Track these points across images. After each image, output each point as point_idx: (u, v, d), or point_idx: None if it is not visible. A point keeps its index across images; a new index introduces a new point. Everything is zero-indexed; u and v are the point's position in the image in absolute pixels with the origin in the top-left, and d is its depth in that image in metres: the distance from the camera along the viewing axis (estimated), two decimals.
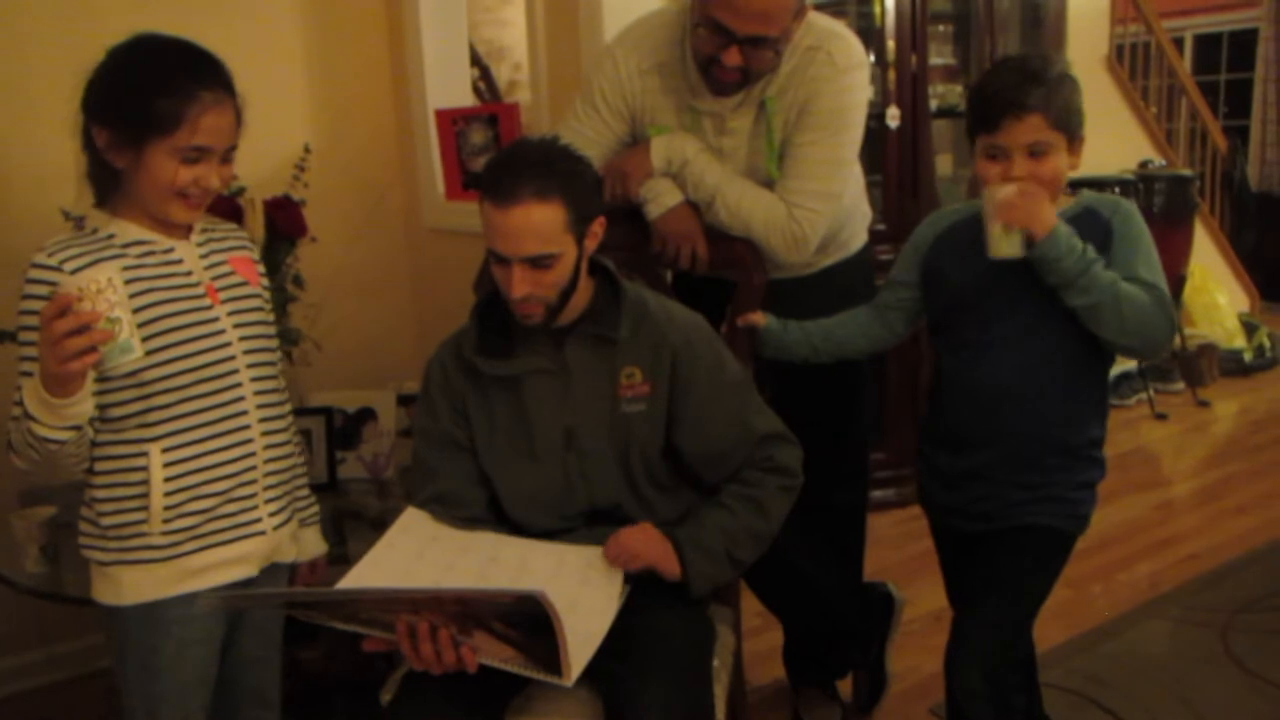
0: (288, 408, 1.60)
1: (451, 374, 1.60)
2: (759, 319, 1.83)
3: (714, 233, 1.85)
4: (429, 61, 2.90)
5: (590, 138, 1.86)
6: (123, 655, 1.49)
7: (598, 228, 1.55)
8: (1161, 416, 4.39)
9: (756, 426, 1.61)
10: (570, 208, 1.47)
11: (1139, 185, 4.52)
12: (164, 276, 1.43)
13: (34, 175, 2.33)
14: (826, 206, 1.82)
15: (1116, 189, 4.44)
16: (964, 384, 1.64)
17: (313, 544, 1.69)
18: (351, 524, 2.34)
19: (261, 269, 1.59)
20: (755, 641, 2.39)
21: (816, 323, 1.82)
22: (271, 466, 1.53)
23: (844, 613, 2.11)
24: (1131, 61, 5.23)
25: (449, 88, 2.93)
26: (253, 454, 1.50)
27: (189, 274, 1.46)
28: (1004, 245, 1.53)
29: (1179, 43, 6.94)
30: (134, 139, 1.37)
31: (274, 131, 2.63)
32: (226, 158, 1.44)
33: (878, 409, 3.21)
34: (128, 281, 1.33)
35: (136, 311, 1.34)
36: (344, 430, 2.41)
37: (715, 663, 1.55)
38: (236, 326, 1.48)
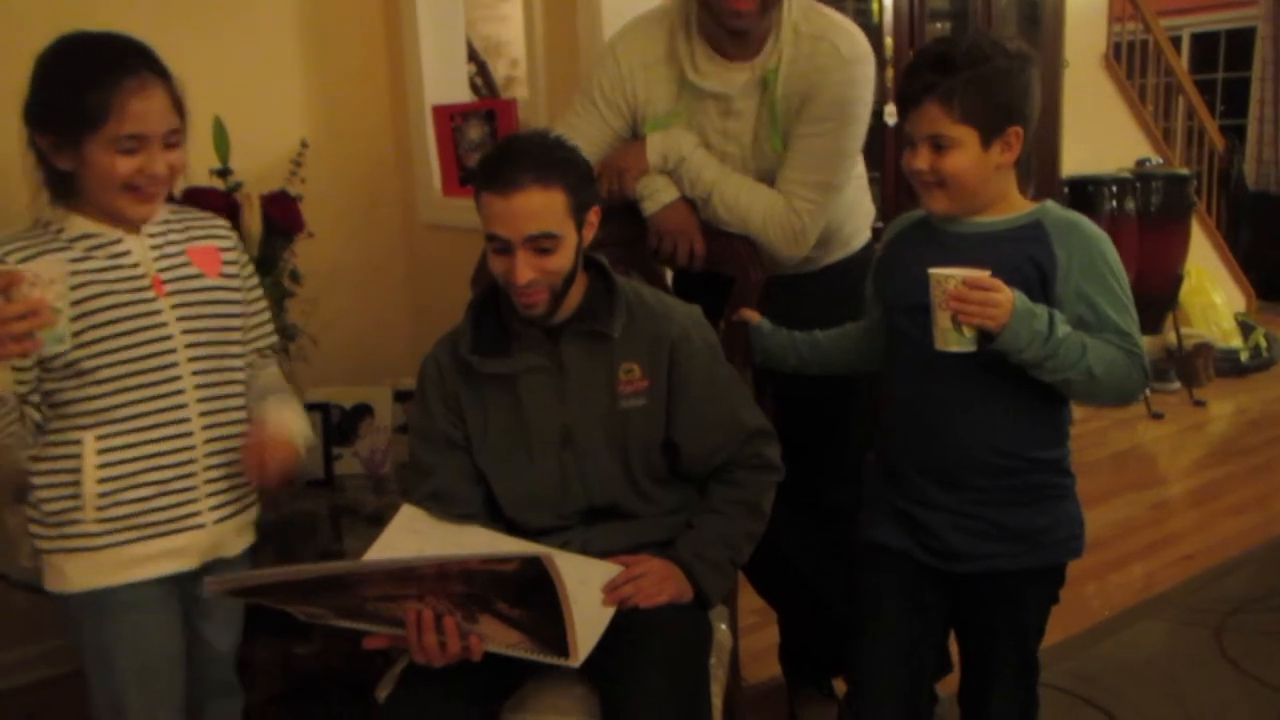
0: (240, 399, 1.56)
1: (447, 372, 1.60)
2: (753, 316, 1.82)
3: (712, 229, 1.84)
4: (426, 57, 2.88)
5: (587, 134, 1.84)
6: (80, 647, 1.50)
7: (594, 217, 1.55)
8: (1157, 416, 4.40)
9: (746, 422, 1.62)
10: (570, 193, 1.47)
11: (1136, 184, 4.52)
12: (107, 269, 1.43)
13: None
14: (826, 199, 1.81)
15: (1114, 187, 4.45)
16: (905, 408, 1.55)
17: (298, 427, 1.61)
18: (348, 520, 2.34)
19: (234, 258, 1.58)
20: (751, 639, 2.38)
21: (808, 334, 1.78)
22: (216, 460, 1.51)
23: (838, 609, 2.10)
24: (1129, 60, 5.23)
25: (446, 84, 2.92)
26: (192, 447, 1.49)
27: (135, 266, 1.45)
28: (953, 339, 1.36)
29: (1176, 41, 6.94)
30: (71, 139, 1.38)
31: (270, 127, 2.63)
32: (170, 143, 1.42)
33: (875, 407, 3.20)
34: (71, 273, 1.36)
35: (75, 304, 1.37)
36: (340, 426, 2.41)
37: (712, 661, 1.55)
38: (182, 319, 1.47)
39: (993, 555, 1.50)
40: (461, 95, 3.02)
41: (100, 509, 1.44)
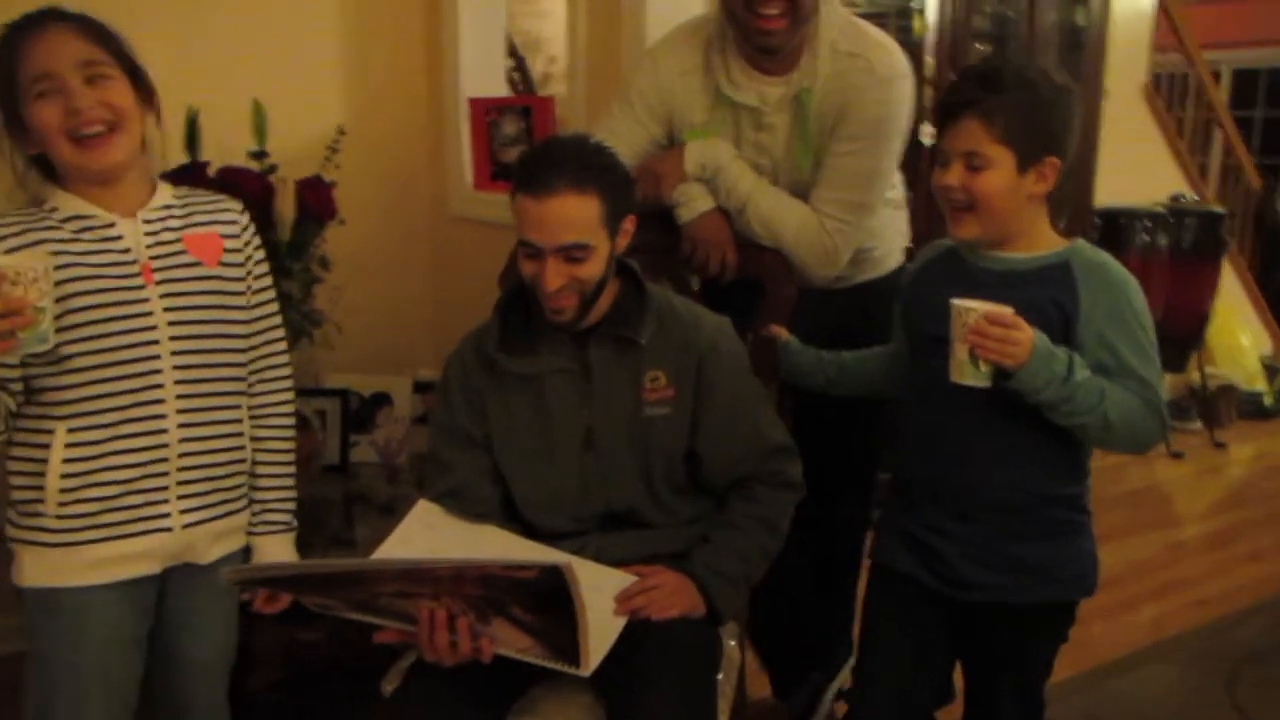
0: (232, 399, 1.48)
1: (471, 369, 1.59)
2: (781, 333, 1.81)
3: (744, 241, 1.83)
4: (465, 49, 2.88)
5: (625, 138, 1.84)
6: (29, 639, 1.44)
7: (629, 225, 1.54)
8: (1177, 455, 4.35)
9: (770, 437, 1.62)
10: (605, 201, 1.46)
11: (1170, 219, 4.48)
12: (95, 254, 1.37)
13: None
14: (859, 219, 1.80)
15: (1147, 221, 4.41)
16: (923, 436, 1.53)
17: (272, 555, 1.54)
18: (359, 508, 2.34)
19: (238, 245, 1.48)
20: (754, 655, 2.36)
21: (836, 355, 1.76)
22: (192, 460, 1.43)
23: (811, 628, 2.13)
24: (1169, 92, 5.18)
25: (483, 77, 2.92)
26: (165, 445, 1.40)
27: (125, 251, 1.39)
28: (969, 373, 1.35)
29: (1216, 75, 6.87)
30: (13, 117, 1.35)
31: (307, 110, 2.63)
32: (91, 76, 1.33)
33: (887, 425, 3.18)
34: (55, 254, 1.32)
35: (58, 284, 1.32)
36: (358, 413, 2.41)
37: (720, 677, 1.54)
38: (170, 309, 1.40)
39: (1002, 587, 1.48)
40: (498, 89, 3.02)
41: (61, 505, 1.37)
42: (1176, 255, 4.48)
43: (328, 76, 2.78)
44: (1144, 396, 1.38)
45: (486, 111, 2.78)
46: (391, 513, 2.19)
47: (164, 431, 1.40)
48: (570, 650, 1.29)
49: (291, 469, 1.58)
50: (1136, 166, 4.83)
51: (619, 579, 1.49)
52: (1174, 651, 2.69)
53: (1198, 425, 4.70)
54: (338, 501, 2.33)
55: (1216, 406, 4.76)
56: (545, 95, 3.50)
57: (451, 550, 1.49)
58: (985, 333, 1.33)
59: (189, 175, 1.87)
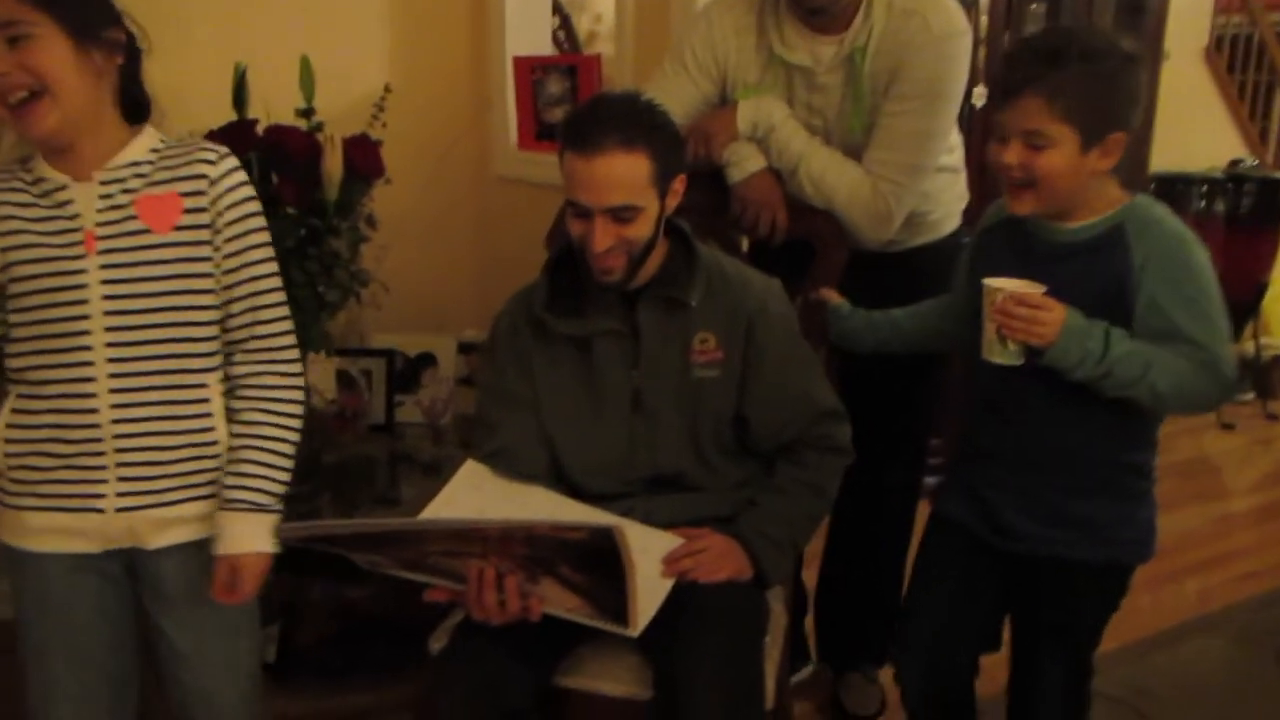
0: (192, 377, 1.35)
1: (520, 330, 1.58)
2: (833, 296, 1.78)
3: (795, 203, 1.80)
4: (510, 7, 2.86)
5: (676, 97, 1.81)
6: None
7: (679, 185, 1.52)
8: (1228, 426, 4.26)
9: (819, 401, 1.60)
10: (655, 161, 1.44)
11: (1228, 184, 4.37)
12: (45, 219, 1.30)
13: None
14: (914, 181, 1.76)
15: (1204, 186, 4.30)
16: (985, 392, 1.52)
17: (232, 537, 1.35)
18: (404, 467, 2.36)
19: (202, 205, 1.33)
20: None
21: (886, 313, 1.74)
22: (131, 443, 1.32)
23: (887, 592, 2.10)
24: (1231, 54, 5.03)
25: (529, 35, 2.89)
26: (96, 425, 1.31)
27: (73, 217, 1.30)
28: (998, 352, 1.36)
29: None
30: None
31: (353, 68, 2.62)
32: (14, 40, 1.21)
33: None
34: (9, 218, 1.29)
35: (6, 251, 1.29)
36: (403, 374, 2.42)
37: (767, 640, 1.53)
38: (108, 282, 1.29)
39: (1053, 540, 1.47)
40: (543, 48, 2.99)
41: (9, 468, 1.35)
42: (1234, 222, 4.38)
43: (373, 34, 2.77)
44: (1198, 359, 1.34)
45: (531, 70, 2.75)
46: (436, 473, 2.21)
47: (95, 411, 1.31)
48: (619, 610, 1.29)
49: (279, 445, 1.39)
50: (1195, 131, 4.71)
51: (666, 541, 1.48)
52: (1222, 625, 2.65)
53: (1250, 396, 4.60)
54: (383, 461, 2.35)
55: (1270, 377, 4.65)
56: (591, 54, 3.46)
57: (498, 510, 1.49)
58: (1011, 313, 1.33)
59: (237, 133, 1.87)
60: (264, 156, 1.87)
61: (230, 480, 1.36)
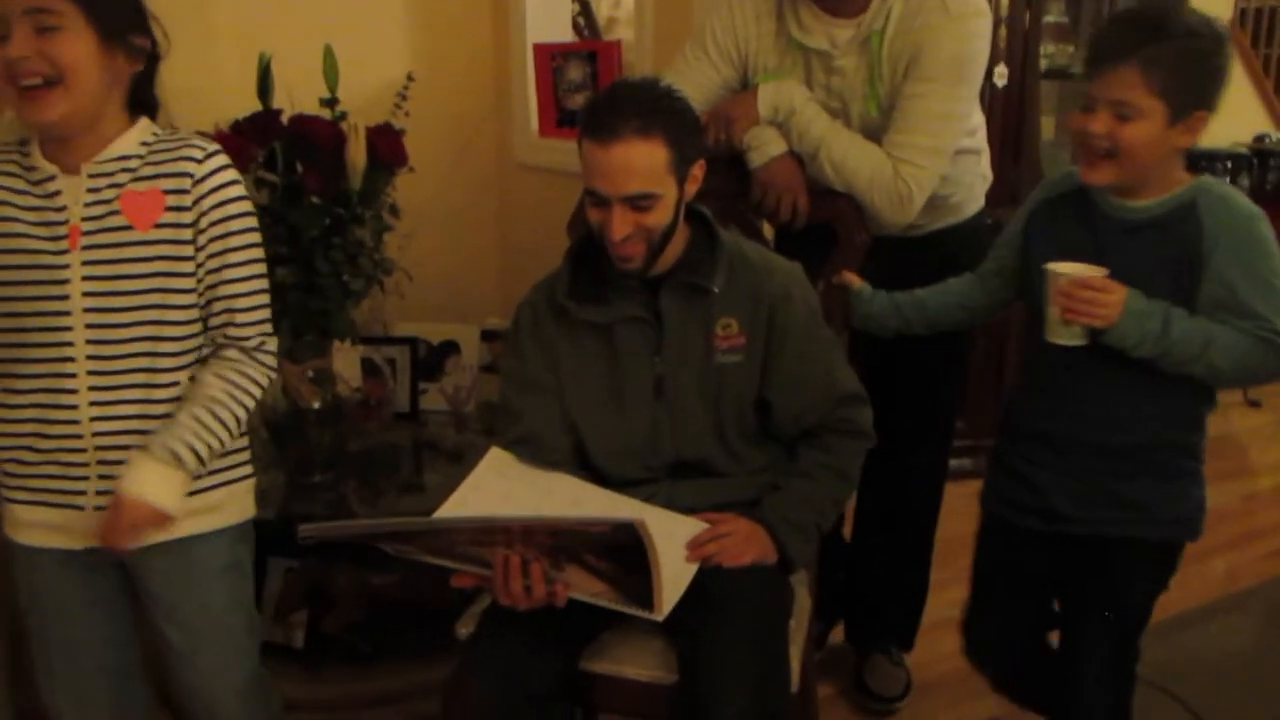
0: (170, 375, 1.34)
1: (543, 317, 1.59)
2: (854, 280, 1.78)
3: (816, 187, 1.80)
4: None
5: (697, 82, 1.81)
6: None
7: (698, 171, 1.52)
8: (1255, 404, 4.21)
9: (841, 385, 1.60)
10: (673, 147, 1.44)
11: (1252, 160, 4.33)
12: (34, 210, 1.30)
13: None
14: (935, 164, 1.75)
15: (1228, 162, 4.26)
16: (1035, 364, 1.55)
17: (134, 477, 1.29)
18: (429, 455, 2.38)
19: (185, 203, 1.31)
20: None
21: (910, 294, 1.73)
22: (111, 441, 1.32)
23: (909, 575, 2.12)
24: (1255, 27, 4.96)
25: (549, 22, 2.89)
26: (77, 422, 1.31)
27: (60, 210, 1.29)
28: (1061, 333, 1.41)
29: None
30: None
31: (374, 57, 2.63)
32: (42, 27, 1.21)
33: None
34: (3, 204, 1.29)
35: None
36: (427, 361, 2.44)
37: (791, 624, 1.54)
38: (90, 279, 1.28)
39: (1106, 521, 1.49)
40: (563, 35, 2.99)
41: (2, 462, 1.36)
42: (1259, 197, 4.31)
43: (395, 23, 2.78)
44: (1260, 334, 1.35)
45: (551, 57, 2.75)
46: (460, 460, 2.23)
47: (75, 408, 1.31)
48: (644, 595, 1.30)
49: (221, 410, 1.34)
50: (1219, 106, 4.65)
51: (690, 526, 1.49)
52: (1249, 604, 2.64)
53: None
54: (408, 448, 2.38)
55: None
56: (611, 40, 3.46)
57: (523, 497, 1.50)
58: (1073, 295, 1.36)
59: (262, 123, 1.89)
60: (289, 146, 1.89)
61: (162, 426, 1.32)
